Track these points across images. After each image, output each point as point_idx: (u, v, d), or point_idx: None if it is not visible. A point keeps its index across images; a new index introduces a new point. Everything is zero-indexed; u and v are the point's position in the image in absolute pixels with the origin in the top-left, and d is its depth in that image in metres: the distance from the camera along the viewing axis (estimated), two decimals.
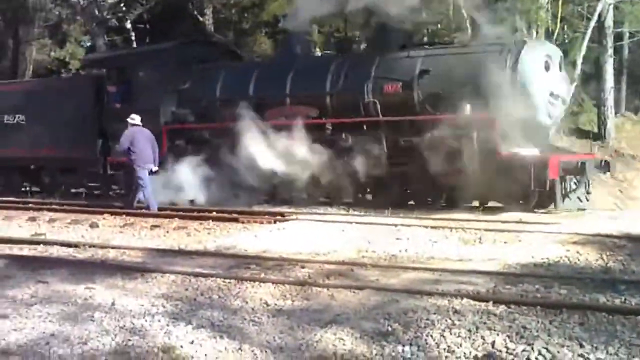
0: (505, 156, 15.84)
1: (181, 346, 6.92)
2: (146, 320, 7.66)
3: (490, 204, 17.37)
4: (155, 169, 17.94)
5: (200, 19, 33.88)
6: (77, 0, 31.01)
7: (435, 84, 17.11)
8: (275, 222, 15.18)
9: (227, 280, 9.35)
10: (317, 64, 19.87)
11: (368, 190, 18.75)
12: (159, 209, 17.48)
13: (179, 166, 19.17)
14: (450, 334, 6.86)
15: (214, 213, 16.82)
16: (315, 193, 18.69)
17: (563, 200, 16.25)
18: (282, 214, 16.11)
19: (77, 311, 8.11)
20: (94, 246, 12.62)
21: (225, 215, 16.47)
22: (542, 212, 16.13)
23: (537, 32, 27.93)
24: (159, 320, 7.65)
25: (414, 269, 9.96)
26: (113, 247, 12.50)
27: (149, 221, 15.88)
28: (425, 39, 30.17)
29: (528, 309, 7.53)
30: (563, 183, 16.26)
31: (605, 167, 17.38)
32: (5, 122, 25.14)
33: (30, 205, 19.67)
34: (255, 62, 21.41)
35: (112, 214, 17.30)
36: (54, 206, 19.32)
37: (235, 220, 15.62)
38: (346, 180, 17.94)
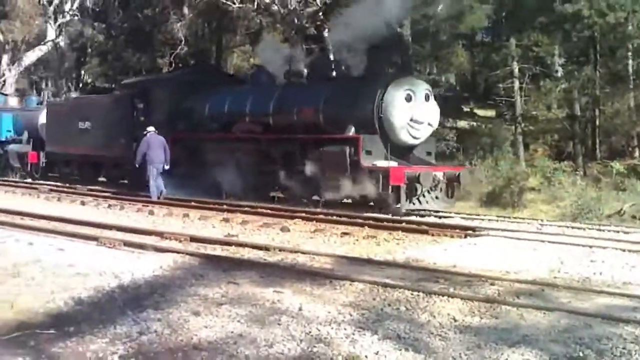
0: (365, 167, 19.73)
1: (366, 356, 6.88)
2: (332, 328, 7.66)
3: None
4: (167, 167, 23.17)
5: (399, 29, 33.89)
6: (278, 8, 31.69)
7: (332, 109, 21.40)
8: (465, 236, 15.11)
9: (415, 293, 9.24)
10: (268, 90, 24.09)
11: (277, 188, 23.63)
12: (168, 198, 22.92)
13: (178, 167, 24.53)
14: None
15: (404, 224, 16.85)
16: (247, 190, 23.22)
17: (409, 202, 19.50)
18: (473, 229, 15.94)
19: (265, 314, 8.20)
20: (284, 250, 12.80)
21: (415, 226, 16.47)
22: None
23: None
24: (345, 329, 7.63)
25: (609, 293, 9.54)
26: (303, 252, 12.62)
27: (339, 228, 16.05)
28: None
29: None
30: (412, 189, 19.44)
31: (457, 178, 20.38)
32: (79, 127, 31.57)
33: (224, 206, 20.24)
34: (231, 87, 26.54)
35: (303, 219, 17.63)
36: (246, 209, 19.87)
37: (425, 232, 15.62)
38: (272, 180, 22.86)
